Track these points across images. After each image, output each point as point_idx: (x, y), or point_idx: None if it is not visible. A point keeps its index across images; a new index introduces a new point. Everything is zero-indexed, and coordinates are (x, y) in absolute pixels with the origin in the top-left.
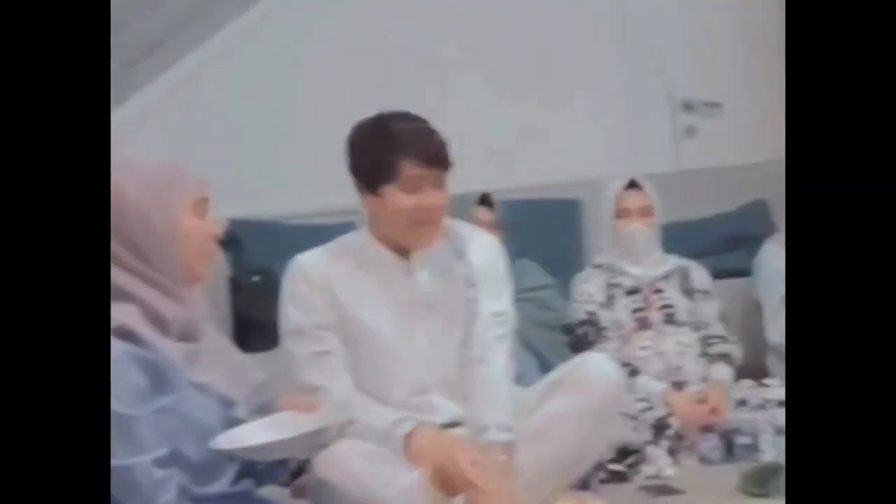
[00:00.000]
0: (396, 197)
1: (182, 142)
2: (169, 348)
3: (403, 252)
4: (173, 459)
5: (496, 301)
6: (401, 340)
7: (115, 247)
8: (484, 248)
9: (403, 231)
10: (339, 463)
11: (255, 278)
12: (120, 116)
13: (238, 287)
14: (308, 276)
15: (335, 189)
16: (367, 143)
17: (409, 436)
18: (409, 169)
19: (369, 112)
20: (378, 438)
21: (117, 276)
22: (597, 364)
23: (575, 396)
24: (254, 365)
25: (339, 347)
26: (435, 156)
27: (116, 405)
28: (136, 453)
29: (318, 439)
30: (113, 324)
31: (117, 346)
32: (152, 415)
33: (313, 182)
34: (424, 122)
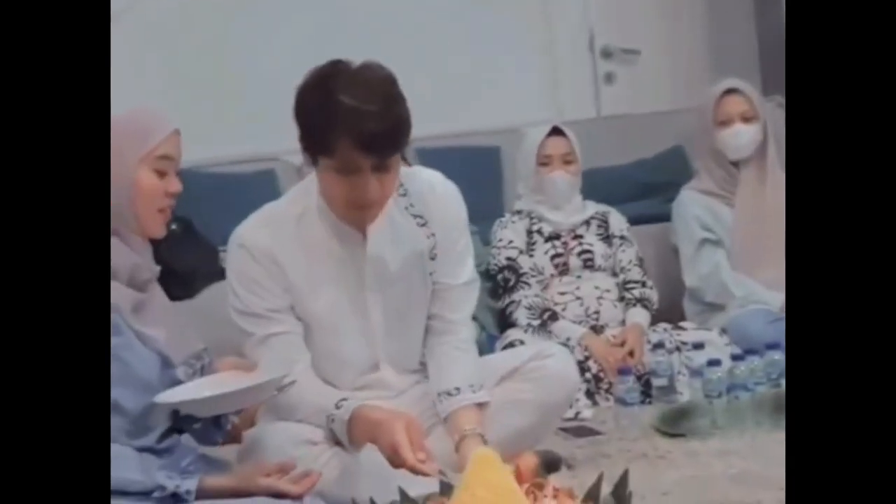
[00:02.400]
0: (331, 175)
1: None
2: (116, 291)
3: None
4: None
5: (461, 270)
6: (352, 320)
7: None
8: (448, 213)
9: (342, 210)
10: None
11: (174, 227)
12: None
13: None
14: (252, 254)
15: (254, 136)
16: (308, 106)
17: (351, 418)
18: (344, 149)
19: (292, 61)
20: (318, 419)
21: None
22: (558, 361)
23: (529, 387)
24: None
25: (296, 325)
26: (372, 141)
27: None
28: None
29: (259, 395)
30: None
31: None
32: None
33: (231, 129)
34: (380, 93)
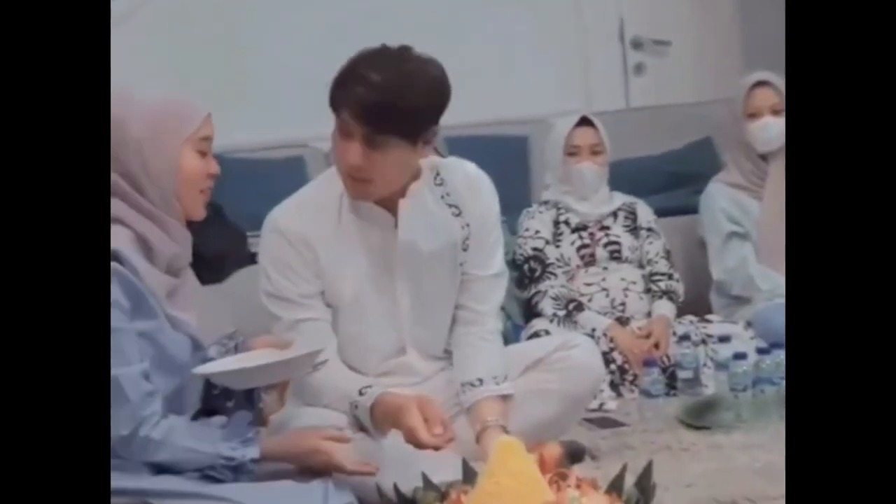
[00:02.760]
0: (336, 137)
1: (126, 71)
2: (153, 277)
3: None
4: None
5: (491, 262)
6: (380, 305)
7: (115, 177)
8: (483, 205)
9: (343, 178)
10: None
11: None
12: None
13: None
14: (287, 238)
15: (281, 122)
16: (340, 73)
17: (374, 405)
18: (343, 112)
19: (324, 50)
20: (342, 405)
21: (115, 203)
22: (583, 351)
23: (554, 378)
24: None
25: (325, 312)
26: (364, 110)
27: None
28: (121, 364)
29: (296, 368)
30: None
31: None
32: (134, 335)
33: (259, 115)
34: (402, 74)
